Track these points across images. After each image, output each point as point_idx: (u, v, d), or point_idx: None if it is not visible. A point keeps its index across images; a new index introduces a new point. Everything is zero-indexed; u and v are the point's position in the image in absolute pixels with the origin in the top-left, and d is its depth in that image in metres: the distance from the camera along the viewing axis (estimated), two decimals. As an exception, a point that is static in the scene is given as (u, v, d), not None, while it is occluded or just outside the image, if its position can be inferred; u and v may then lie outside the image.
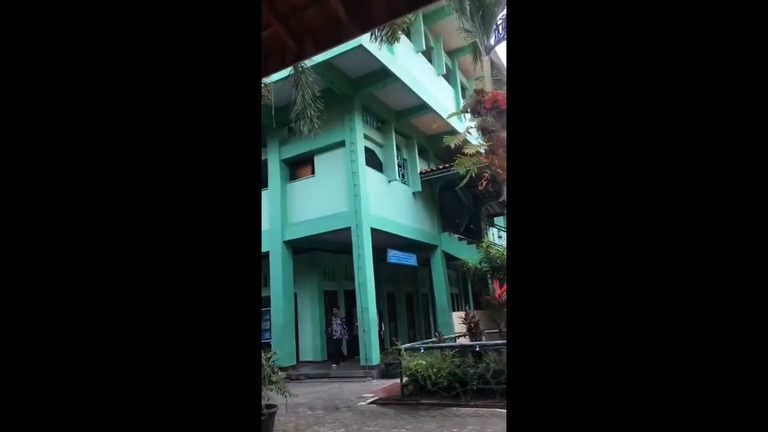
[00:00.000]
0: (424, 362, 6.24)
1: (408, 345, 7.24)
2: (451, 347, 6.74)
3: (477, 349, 6.33)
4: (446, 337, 8.43)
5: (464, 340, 7.89)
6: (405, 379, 6.47)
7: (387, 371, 8.69)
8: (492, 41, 8.46)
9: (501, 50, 10.42)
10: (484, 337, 7.81)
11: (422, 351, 6.71)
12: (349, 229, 9.54)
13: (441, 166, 11.95)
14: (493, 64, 9.05)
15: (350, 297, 10.99)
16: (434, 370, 6.06)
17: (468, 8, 7.95)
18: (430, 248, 12.03)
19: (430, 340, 9.20)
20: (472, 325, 7.75)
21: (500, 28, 8.39)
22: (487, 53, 8.36)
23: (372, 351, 8.99)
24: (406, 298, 14.19)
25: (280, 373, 4.89)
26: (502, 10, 8.12)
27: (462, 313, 8.68)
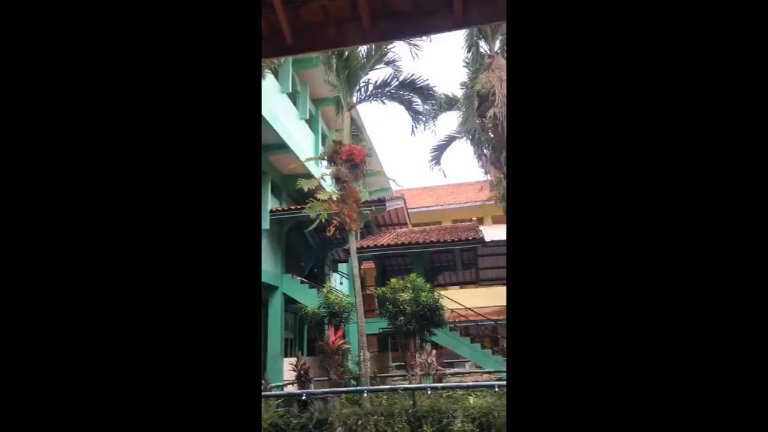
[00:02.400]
0: (245, 413, 5.79)
1: (230, 394, 6.64)
2: (277, 396, 6.45)
3: (303, 397, 6.18)
4: (273, 384, 8.03)
5: (293, 388, 7.63)
6: None
7: (201, 424, 7.76)
8: (354, 100, 9.10)
9: (362, 109, 11.27)
10: (312, 385, 7.69)
11: (245, 400, 6.24)
12: (180, 261, 8.61)
13: (292, 207, 11.90)
14: (353, 120, 9.68)
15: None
16: (255, 421, 5.67)
17: (335, 65, 8.48)
18: (269, 289, 11.57)
19: (256, 388, 8.59)
20: (302, 372, 7.59)
21: (362, 90, 9.11)
22: (349, 110, 8.94)
23: (187, 401, 7.97)
24: (237, 341, 13.15)
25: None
26: (366, 74, 8.88)
27: (294, 360, 8.45)
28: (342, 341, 8.45)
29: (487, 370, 10.17)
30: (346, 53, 8.28)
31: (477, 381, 8.72)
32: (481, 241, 11.16)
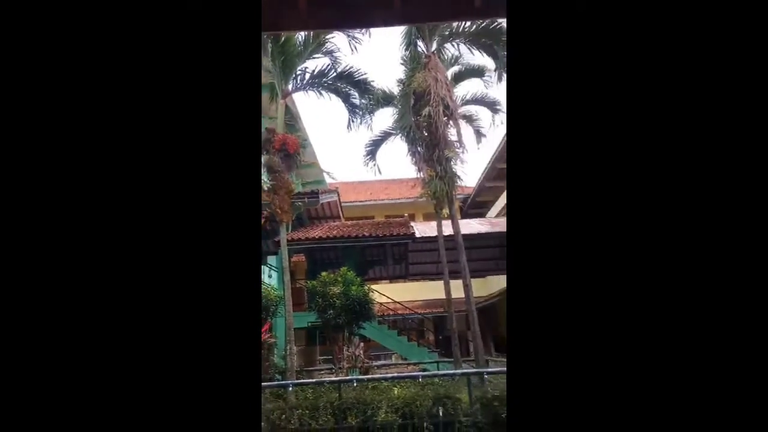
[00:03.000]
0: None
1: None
2: (196, 393, 6.12)
3: (225, 393, 5.93)
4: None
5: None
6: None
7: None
8: (290, 88, 8.83)
9: (297, 98, 10.99)
10: (235, 381, 7.40)
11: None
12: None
13: (219, 196, 11.31)
14: (288, 109, 9.40)
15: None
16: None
17: (270, 49, 8.17)
18: (191, 281, 10.93)
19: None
20: (225, 367, 7.27)
21: (298, 78, 8.88)
22: (284, 98, 8.66)
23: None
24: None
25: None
26: (303, 63, 8.66)
27: (216, 355, 8.08)
28: (268, 335, 8.23)
29: (412, 361, 10.48)
30: (283, 38, 8.01)
31: (402, 372, 8.95)
32: (412, 237, 11.43)
